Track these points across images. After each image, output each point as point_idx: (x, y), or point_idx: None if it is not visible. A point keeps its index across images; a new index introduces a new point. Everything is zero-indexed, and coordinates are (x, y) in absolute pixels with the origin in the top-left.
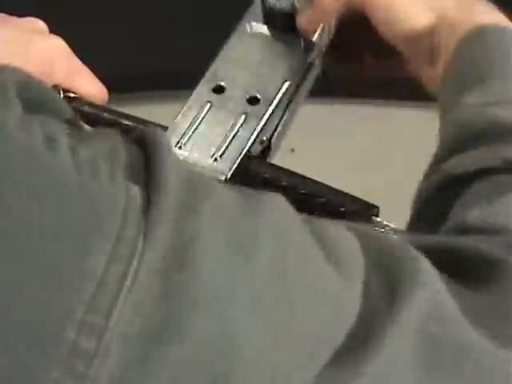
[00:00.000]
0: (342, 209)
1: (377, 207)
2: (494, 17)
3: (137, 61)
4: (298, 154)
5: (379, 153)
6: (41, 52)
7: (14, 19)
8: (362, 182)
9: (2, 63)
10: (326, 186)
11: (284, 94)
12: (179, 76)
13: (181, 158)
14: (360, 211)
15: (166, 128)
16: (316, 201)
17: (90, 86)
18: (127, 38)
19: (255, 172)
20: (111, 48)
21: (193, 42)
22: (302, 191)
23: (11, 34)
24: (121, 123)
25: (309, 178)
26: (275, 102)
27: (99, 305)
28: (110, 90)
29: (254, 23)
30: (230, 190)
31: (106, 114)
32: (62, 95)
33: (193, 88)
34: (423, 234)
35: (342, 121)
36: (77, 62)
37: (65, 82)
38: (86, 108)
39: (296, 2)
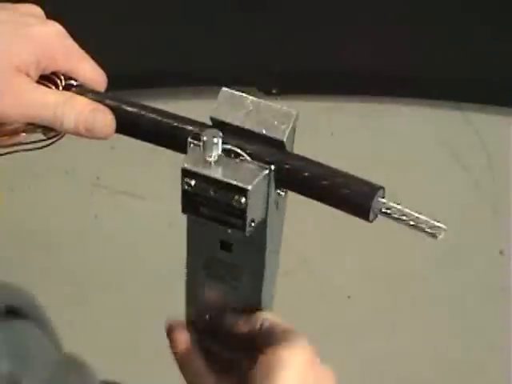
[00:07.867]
0: (347, 191)
1: (382, 188)
2: None
3: (137, 60)
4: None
5: (379, 151)
6: (40, 35)
7: (12, 5)
8: None
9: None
10: (330, 167)
11: None
12: (179, 75)
13: None
14: (365, 192)
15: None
16: (320, 183)
17: (90, 71)
18: (127, 38)
19: (258, 154)
20: (111, 48)
21: (193, 41)
22: (306, 174)
23: (10, 17)
24: (122, 110)
25: (312, 160)
26: None
27: None
28: (109, 88)
29: None
30: None
31: (107, 101)
32: (63, 82)
33: (192, 87)
34: None
35: (342, 119)
36: (76, 47)
37: (65, 67)
38: (88, 95)
39: None
